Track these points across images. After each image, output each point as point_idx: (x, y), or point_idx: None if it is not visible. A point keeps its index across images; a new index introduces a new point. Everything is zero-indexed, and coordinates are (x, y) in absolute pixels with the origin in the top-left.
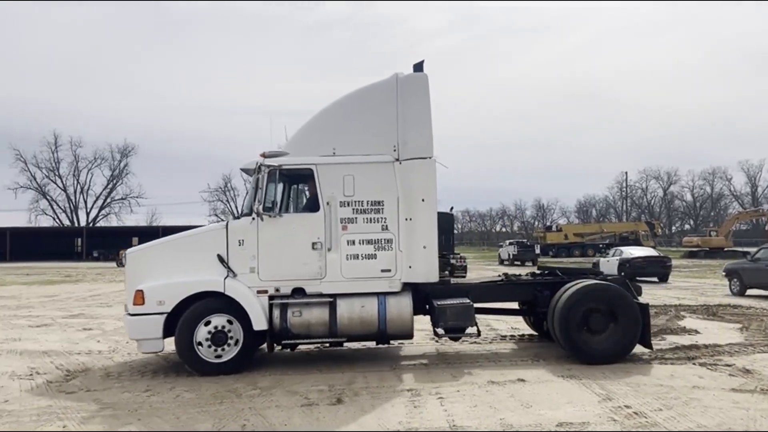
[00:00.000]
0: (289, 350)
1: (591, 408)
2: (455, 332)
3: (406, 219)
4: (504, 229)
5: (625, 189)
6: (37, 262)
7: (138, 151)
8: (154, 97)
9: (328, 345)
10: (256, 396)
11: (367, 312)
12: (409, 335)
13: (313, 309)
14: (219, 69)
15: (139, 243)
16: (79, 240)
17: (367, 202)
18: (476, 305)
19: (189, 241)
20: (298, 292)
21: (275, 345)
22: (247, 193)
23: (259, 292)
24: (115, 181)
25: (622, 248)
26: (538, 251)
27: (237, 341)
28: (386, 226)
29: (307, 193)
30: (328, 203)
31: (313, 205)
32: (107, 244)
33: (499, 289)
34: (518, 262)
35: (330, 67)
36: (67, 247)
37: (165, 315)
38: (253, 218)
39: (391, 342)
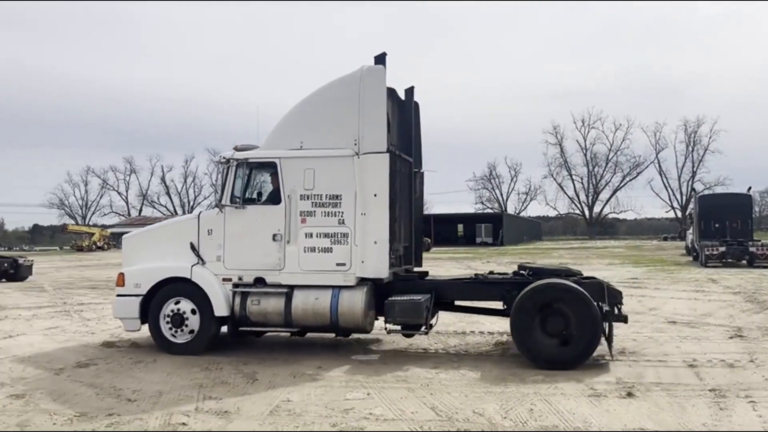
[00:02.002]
0: (255, 337)
1: None
2: (406, 329)
3: (362, 214)
4: None
5: None
6: None
7: None
8: (421, 91)
9: (290, 334)
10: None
11: (320, 304)
12: (361, 329)
13: (270, 298)
14: (484, 58)
15: None
16: None
17: (326, 195)
18: (462, 304)
19: (171, 229)
20: (260, 281)
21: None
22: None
23: (224, 279)
24: None
25: None
26: None
27: (196, 323)
28: (343, 220)
29: (271, 185)
30: (289, 196)
31: (275, 198)
32: None
33: (467, 287)
34: None
35: (591, 44)
36: None
37: (141, 297)
38: (221, 209)
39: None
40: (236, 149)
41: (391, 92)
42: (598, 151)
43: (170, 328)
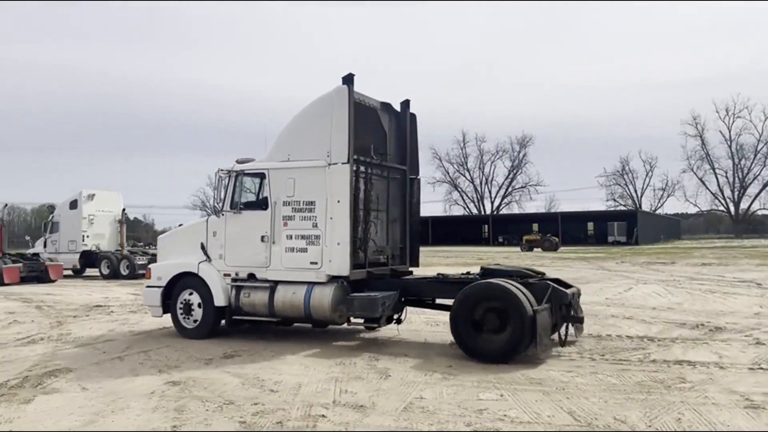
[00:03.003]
0: (248, 325)
1: None
2: (368, 322)
3: (330, 218)
4: None
5: None
6: (452, 246)
7: (535, 140)
8: (546, 86)
9: (275, 323)
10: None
11: (297, 298)
12: (330, 321)
13: (258, 292)
14: (615, 47)
15: (539, 229)
16: (486, 226)
17: (303, 202)
18: (439, 301)
19: (189, 231)
20: (252, 277)
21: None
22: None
23: (225, 275)
24: (515, 171)
25: None
26: None
27: (201, 311)
28: (316, 223)
29: (262, 193)
30: (275, 202)
31: (264, 204)
32: (510, 230)
33: (429, 286)
34: None
35: (736, 25)
36: (475, 233)
37: (162, 288)
38: (218, 215)
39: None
40: (237, 162)
41: (387, 106)
42: (744, 142)
43: (183, 316)
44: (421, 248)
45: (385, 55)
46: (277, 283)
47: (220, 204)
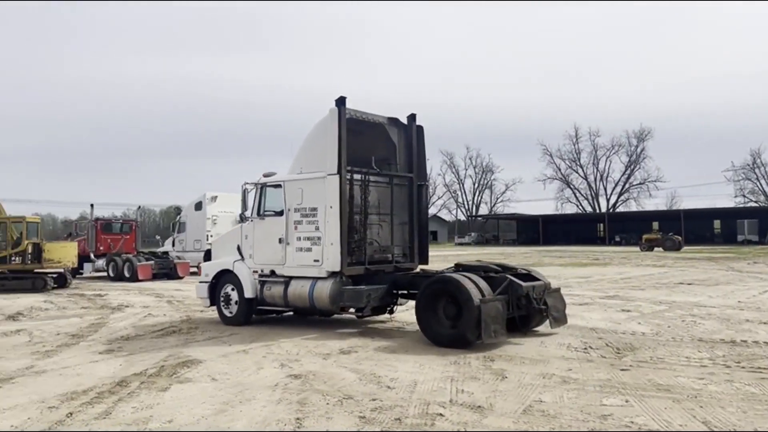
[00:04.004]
0: (275, 315)
1: None
2: (357, 311)
3: (327, 221)
4: None
5: None
6: (564, 245)
7: (654, 134)
8: (665, 76)
9: (291, 312)
10: None
11: (303, 291)
12: (331, 311)
13: (276, 286)
14: (736, 30)
15: (659, 228)
16: (601, 225)
17: (308, 208)
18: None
19: (232, 235)
20: (273, 273)
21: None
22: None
23: (254, 271)
24: (632, 167)
25: None
26: None
27: (236, 302)
28: (318, 227)
29: (280, 202)
30: (288, 209)
31: (281, 211)
32: (627, 228)
33: (413, 279)
34: None
35: None
36: (589, 232)
37: (208, 283)
38: (251, 220)
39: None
40: (264, 176)
41: (394, 121)
42: None
43: (224, 306)
44: (532, 248)
45: (490, 51)
46: (290, 278)
47: (249, 212)
